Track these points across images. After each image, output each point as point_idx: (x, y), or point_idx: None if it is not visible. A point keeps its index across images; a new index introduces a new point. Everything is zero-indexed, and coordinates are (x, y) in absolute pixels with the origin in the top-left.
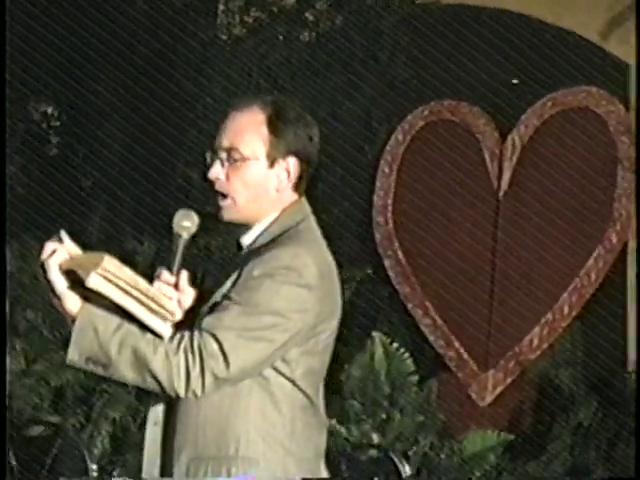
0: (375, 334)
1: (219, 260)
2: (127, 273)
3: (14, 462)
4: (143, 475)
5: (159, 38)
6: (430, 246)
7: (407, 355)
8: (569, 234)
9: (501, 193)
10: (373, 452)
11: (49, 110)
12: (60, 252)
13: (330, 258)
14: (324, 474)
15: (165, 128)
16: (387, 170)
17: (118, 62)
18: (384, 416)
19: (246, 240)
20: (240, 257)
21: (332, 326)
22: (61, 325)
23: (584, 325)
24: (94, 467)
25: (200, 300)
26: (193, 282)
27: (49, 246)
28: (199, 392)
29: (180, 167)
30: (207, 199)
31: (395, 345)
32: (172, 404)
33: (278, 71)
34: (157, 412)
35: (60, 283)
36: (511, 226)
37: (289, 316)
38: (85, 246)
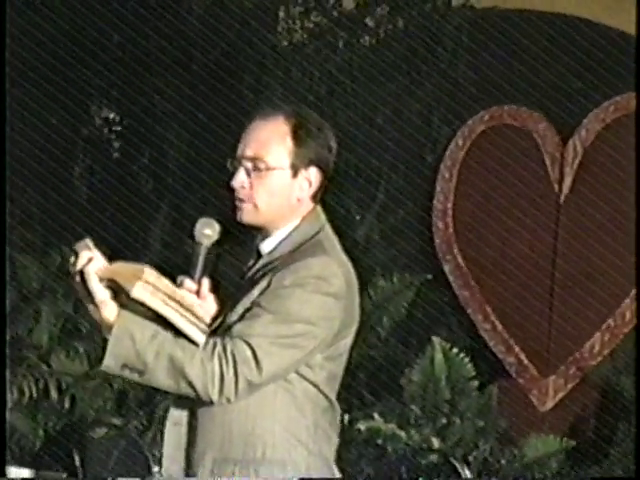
0: (435, 339)
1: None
2: (165, 283)
3: (78, 463)
4: (163, 475)
5: (220, 45)
6: (490, 251)
7: (467, 360)
8: (630, 239)
9: (562, 198)
10: (433, 457)
11: (111, 115)
12: (97, 260)
13: (350, 265)
14: (336, 469)
15: (225, 133)
16: (447, 175)
17: (179, 68)
18: (444, 421)
19: (266, 247)
20: (263, 265)
21: (352, 332)
22: None
23: None
24: (156, 469)
25: (221, 307)
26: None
27: (85, 254)
28: (232, 397)
29: None
30: None
31: (455, 350)
32: (194, 405)
33: (339, 76)
34: (178, 413)
35: (101, 292)
36: (572, 231)
37: (318, 324)
38: (149, 247)
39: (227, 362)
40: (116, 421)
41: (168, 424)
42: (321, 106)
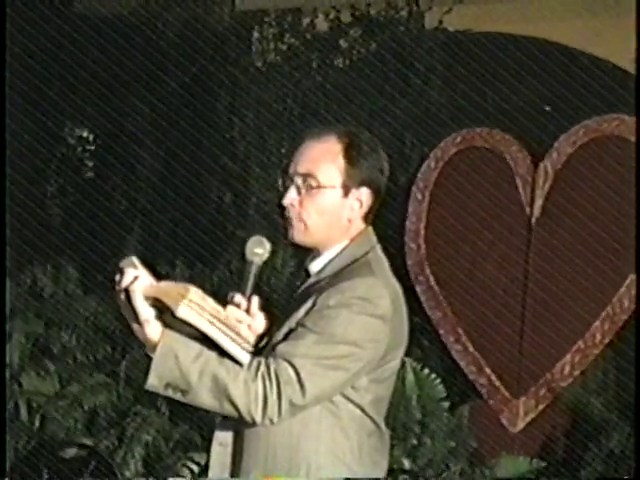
0: (406, 360)
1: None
2: (210, 303)
3: None
4: None
5: (195, 65)
6: (462, 272)
7: (438, 381)
8: (601, 261)
9: (533, 220)
10: (404, 477)
11: (84, 134)
12: (143, 279)
13: (399, 288)
14: None
15: (199, 153)
16: (419, 196)
17: (153, 88)
18: (415, 442)
19: (314, 267)
20: (310, 284)
21: (399, 355)
22: (95, 348)
23: (616, 352)
24: None
25: (270, 325)
26: (263, 307)
27: (130, 273)
28: (275, 418)
29: (213, 191)
30: (239, 224)
31: (426, 371)
32: (239, 426)
33: (312, 97)
34: (224, 433)
35: (146, 311)
36: (543, 253)
37: (364, 346)
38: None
39: (271, 383)
40: (87, 441)
41: (214, 444)
42: (294, 126)
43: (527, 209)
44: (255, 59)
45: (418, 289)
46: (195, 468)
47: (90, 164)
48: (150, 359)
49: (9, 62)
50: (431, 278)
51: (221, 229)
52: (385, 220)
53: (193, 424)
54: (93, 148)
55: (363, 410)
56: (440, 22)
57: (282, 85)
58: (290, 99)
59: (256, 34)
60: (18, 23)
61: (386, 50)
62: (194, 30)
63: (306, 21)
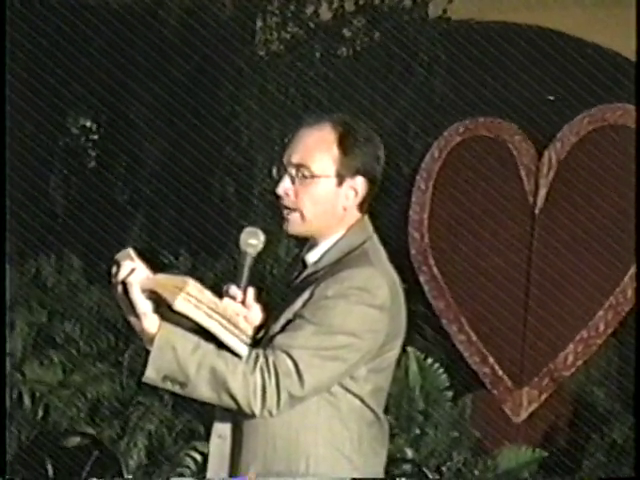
0: (410, 349)
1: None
2: (207, 296)
3: (51, 473)
4: None
5: (198, 54)
6: (465, 262)
7: (441, 371)
8: (605, 251)
9: (537, 209)
10: (407, 467)
11: (88, 124)
12: (139, 271)
13: (397, 278)
14: None
15: (202, 143)
16: (423, 186)
17: (156, 77)
18: (418, 431)
19: (311, 258)
20: (307, 275)
21: (397, 344)
22: (98, 338)
23: (619, 342)
24: (130, 478)
25: (266, 316)
26: (258, 298)
27: (127, 265)
28: (274, 410)
29: (216, 181)
30: (243, 213)
31: (429, 360)
32: (238, 418)
33: (315, 87)
34: (222, 425)
35: (143, 304)
36: (547, 242)
37: (362, 336)
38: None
39: (269, 375)
40: (90, 430)
41: (213, 436)
42: (297, 116)
43: (531, 199)
44: (258, 48)
45: (421, 279)
46: (198, 457)
47: (93, 154)
48: (148, 352)
49: (11, 51)
50: (434, 268)
51: (224, 219)
52: (388, 210)
53: (196, 414)
54: (96, 138)
55: (362, 400)
56: (444, 11)
57: (285, 74)
58: (293, 88)
59: (259, 23)
60: (20, 11)
61: (390, 39)
62: (197, 19)
63: (309, 10)
